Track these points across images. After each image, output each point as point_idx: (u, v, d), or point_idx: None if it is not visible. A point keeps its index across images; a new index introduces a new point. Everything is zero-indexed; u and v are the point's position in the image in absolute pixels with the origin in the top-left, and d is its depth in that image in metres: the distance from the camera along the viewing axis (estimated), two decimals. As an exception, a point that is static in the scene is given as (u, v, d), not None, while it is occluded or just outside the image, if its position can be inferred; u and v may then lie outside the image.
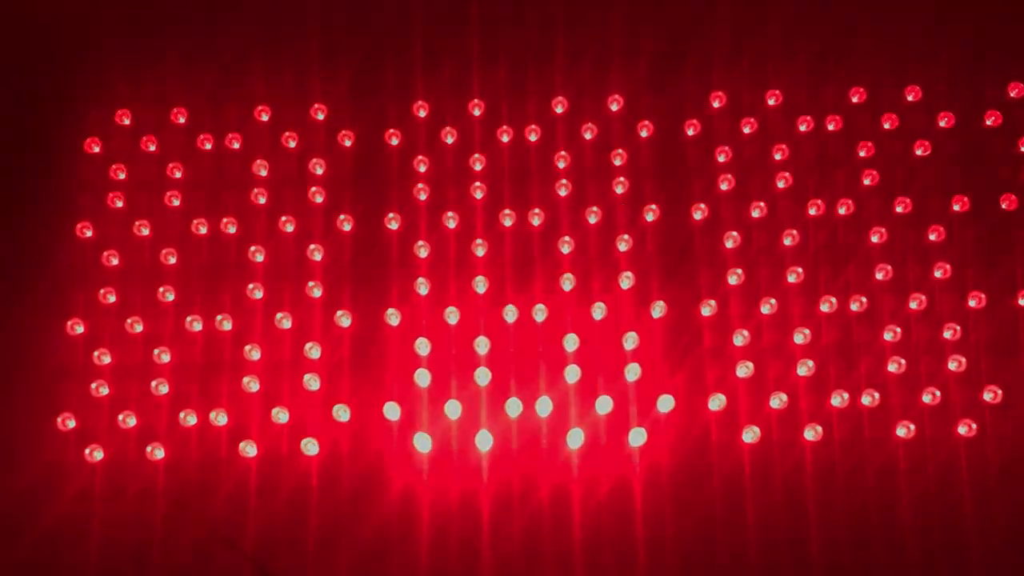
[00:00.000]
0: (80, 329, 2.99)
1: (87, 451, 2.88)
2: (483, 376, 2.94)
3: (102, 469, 2.89)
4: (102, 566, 2.82)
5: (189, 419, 2.91)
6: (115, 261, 3.05)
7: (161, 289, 3.01)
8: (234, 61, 3.22)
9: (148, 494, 2.87)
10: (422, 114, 3.18)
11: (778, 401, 2.93)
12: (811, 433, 2.90)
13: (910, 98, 3.18)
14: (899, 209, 3.09)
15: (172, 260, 3.05)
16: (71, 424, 2.90)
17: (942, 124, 3.16)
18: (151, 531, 2.84)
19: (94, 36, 3.23)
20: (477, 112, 3.19)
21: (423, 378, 2.95)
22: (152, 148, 3.15)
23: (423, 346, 2.97)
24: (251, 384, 2.94)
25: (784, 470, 2.89)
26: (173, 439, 2.91)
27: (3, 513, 2.85)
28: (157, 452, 2.89)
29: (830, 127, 3.16)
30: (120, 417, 2.90)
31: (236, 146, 3.15)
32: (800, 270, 3.03)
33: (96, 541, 2.83)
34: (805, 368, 2.95)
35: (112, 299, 3.02)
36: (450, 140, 3.16)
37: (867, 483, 2.89)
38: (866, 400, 2.92)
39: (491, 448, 2.89)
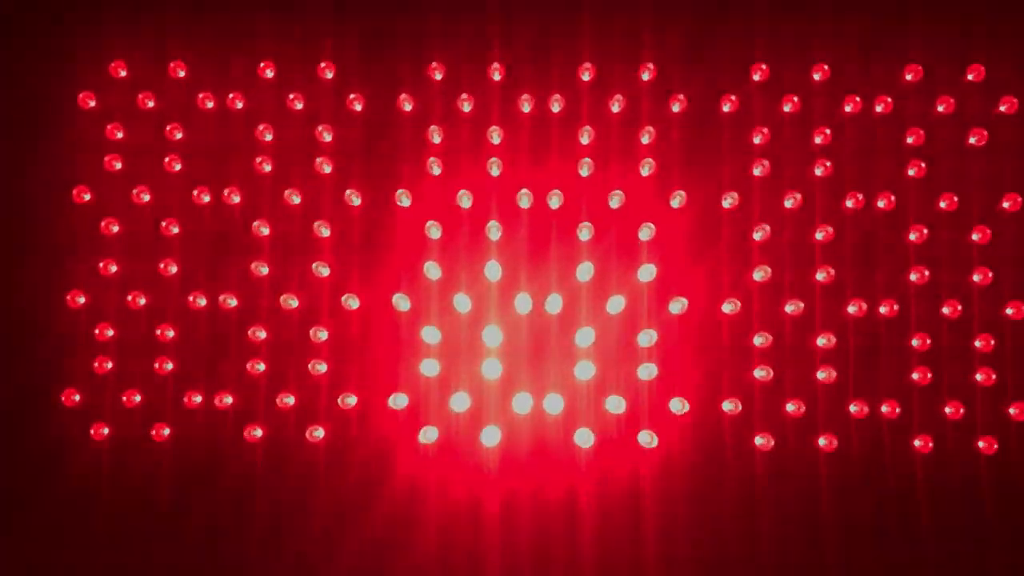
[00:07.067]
0: (82, 300, 2.91)
1: (92, 429, 2.86)
2: (492, 368, 2.86)
3: (107, 447, 2.87)
4: (107, 542, 2.84)
5: (195, 399, 2.87)
6: (115, 229, 2.93)
7: (162, 264, 2.91)
8: (238, 11, 2.97)
9: (154, 473, 2.86)
10: (437, 77, 2.96)
11: (794, 407, 2.84)
12: (826, 441, 2.83)
13: (970, 77, 2.91)
14: (943, 205, 2.89)
15: (175, 230, 2.93)
16: (76, 399, 2.88)
17: (1003, 109, 2.91)
18: (157, 510, 2.85)
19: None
20: (497, 77, 2.96)
21: (431, 368, 2.87)
22: (150, 104, 2.96)
23: (432, 335, 2.88)
24: (257, 366, 2.88)
25: (798, 477, 2.84)
26: (178, 419, 2.87)
27: (7, 488, 2.86)
28: (163, 431, 2.87)
29: (878, 108, 2.91)
30: (124, 397, 2.86)
31: (240, 106, 2.96)
32: (832, 270, 2.87)
33: (101, 519, 2.85)
34: (825, 373, 2.84)
35: (113, 269, 2.92)
36: (467, 108, 2.95)
37: (887, 488, 2.83)
38: (886, 409, 2.83)
39: (498, 443, 2.85)
